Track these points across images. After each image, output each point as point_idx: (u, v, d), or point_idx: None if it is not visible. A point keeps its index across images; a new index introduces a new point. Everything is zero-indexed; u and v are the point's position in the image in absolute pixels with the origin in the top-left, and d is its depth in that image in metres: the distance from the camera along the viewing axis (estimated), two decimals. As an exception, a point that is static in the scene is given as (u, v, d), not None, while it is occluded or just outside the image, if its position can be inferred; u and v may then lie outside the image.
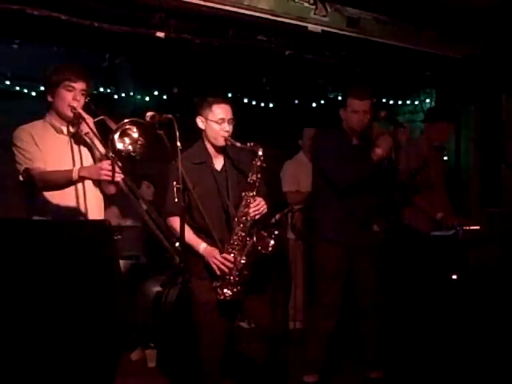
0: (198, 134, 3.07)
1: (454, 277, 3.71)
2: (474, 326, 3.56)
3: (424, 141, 4.15)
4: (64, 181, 2.70)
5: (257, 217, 2.94)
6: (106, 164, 2.58)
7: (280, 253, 3.72)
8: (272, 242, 2.88)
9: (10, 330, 1.90)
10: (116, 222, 4.76)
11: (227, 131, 2.95)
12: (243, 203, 2.91)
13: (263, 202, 2.95)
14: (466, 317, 3.60)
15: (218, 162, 3.05)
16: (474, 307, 3.60)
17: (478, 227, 3.84)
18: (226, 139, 2.95)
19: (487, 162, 5.16)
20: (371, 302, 3.54)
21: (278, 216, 2.94)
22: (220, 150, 3.04)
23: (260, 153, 2.90)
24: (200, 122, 3.01)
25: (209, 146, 3.03)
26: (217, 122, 2.94)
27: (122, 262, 3.75)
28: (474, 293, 3.64)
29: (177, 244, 2.43)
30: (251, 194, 2.90)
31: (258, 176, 2.92)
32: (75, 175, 2.67)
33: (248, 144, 2.91)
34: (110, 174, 2.55)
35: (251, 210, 2.90)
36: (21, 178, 2.72)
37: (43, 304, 1.96)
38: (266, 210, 2.97)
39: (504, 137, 5.08)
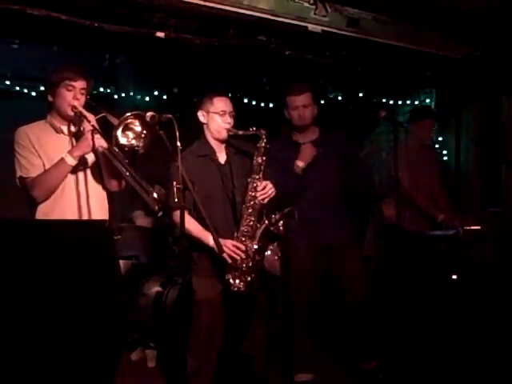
0: (199, 132, 3.07)
1: (454, 277, 3.71)
2: (474, 326, 3.56)
3: (412, 141, 4.16)
4: (61, 172, 2.67)
5: (265, 200, 2.93)
6: (89, 134, 2.60)
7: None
8: (281, 222, 2.88)
9: (10, 329, 1.90)
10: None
11: (229, 123, 2.97)
12: (250, 187, 2.91)
13: (270, 185, 2.94)
14: (465, 317, 3.60)
15: (222, 156, 3.05)
16: (474, 307, 3.61)
17: (478, 227, 3.85)
18: (228, 130, 2.96)
19: (487, 162, 5.16)
20: (356, 300, 3.49)
21: (277, 216, 2.93)
22: (222, 143, 3.05)
23: (264, 136, 2.92)
24: (202, 116, 3.03)
25: (211, 141, 3.04)
26: (218, 113, 2.96)
27: (122, 262, 3.74)
28: (474, 293, 3.65)
29: (155, 195, 2.43)
30: (257, 176, 2.92)
31: (263, 158, 2.93)
32: (70, 159, 2.64)
33: (250, 129, 2.93)
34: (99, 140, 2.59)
35: (259, 194, 2.90)
36: (18, 184, 2.72)
37: (43, 304, 1.96)
38: (273, 193, 2.96)
39: (504, 137, 5.08)
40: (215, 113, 2.97)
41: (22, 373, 1.93)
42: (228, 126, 2.96)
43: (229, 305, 2.98)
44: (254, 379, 3.15)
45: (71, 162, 2.65)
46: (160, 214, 2.46)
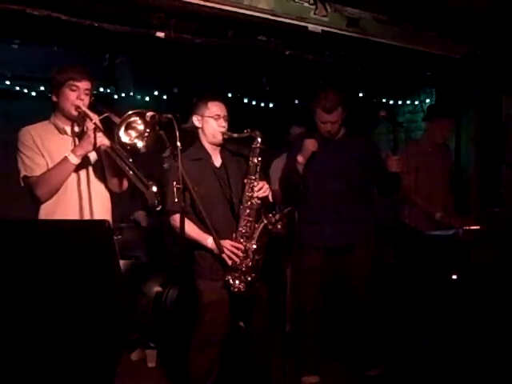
0: (195, 135, 3.09)
1: (454, 277, 3.71)
2: (474, 326, 3.56)
3: (427, 140, 4.15)
4: (64, 171, 2.67)
5: (270, 198, 2.96)
6: (91, 132, 2.60)
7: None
8: (280, 221, 2.89)
9: (10, 329, 1.90)
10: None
11: (224, 126, 3.00)
12: (246, 188, 2.93)
13: (267, 186, 2.97)
14: (466, 317, 3.60)
15: (217, 160, 3.08)
16: (474, 307, 3.60)
17: (478, 227, 3.84)
18: (223, 134, 2.98)
19: (487, 162, 5.16)
20: (359, 304, 3.51)
21: (277, 216, 2.93)
22: (217, 147, 3.07)
23: (258, 138, 2.93)
24: (196, 120, 3.05)
25: (206, 145, 3.06)
26: (213, 117, 2.99)
27: (121, 262, 3.75)
28: (474, 293, 3.64)
29: (154, 189, 2.46)
30: (253, 177, 2.93)
31: (259, 159, 2.95)
32: (73, 158, 2.65)
33: (245, 131, 2.95)
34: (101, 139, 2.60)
35: (255, 194, 2.91)
36: (22, 184, 2.72)
37: (43, 304, 1.96)
38: (270, 193, 2.99)
39: (504, 137, 5.08)
40: (210, 117, 2.99)
41: (22, 373, 1.93)
42: (223, 130, 3.00)
43: (234, 305, 2.98)
44: (256, 376, 3.15)
45: (74, 160, 2.66)
46: (159, 207, 2.49)
